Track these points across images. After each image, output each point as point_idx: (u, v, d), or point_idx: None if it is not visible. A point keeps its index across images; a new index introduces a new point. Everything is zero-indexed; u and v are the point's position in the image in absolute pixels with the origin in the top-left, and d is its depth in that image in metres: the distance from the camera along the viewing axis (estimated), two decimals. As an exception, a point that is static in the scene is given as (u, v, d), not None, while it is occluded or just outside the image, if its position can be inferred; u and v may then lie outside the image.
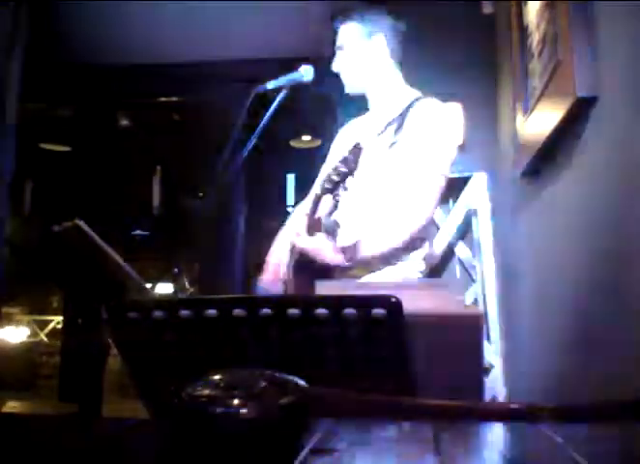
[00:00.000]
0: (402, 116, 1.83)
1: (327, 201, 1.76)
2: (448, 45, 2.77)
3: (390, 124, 1.85)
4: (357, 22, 1.91)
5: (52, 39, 3.34)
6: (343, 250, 1.66)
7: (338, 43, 1.93)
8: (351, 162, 1.62)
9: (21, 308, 6.40)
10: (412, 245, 1.78)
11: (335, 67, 1.93)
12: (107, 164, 3.86)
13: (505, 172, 2.48)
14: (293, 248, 1.76)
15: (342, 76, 1.93)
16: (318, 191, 1.72)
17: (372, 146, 1.83)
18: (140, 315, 0.86)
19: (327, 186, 1.67)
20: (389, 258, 1.76)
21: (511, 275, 2.35)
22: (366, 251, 1.69)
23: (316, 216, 1.73)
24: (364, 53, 1.89)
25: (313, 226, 1.71)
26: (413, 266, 1.82)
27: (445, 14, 2.80)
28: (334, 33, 1.95)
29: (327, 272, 1.69)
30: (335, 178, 1.65)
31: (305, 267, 1.71)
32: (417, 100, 1.86)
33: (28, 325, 6.47)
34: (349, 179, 1.64)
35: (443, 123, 1.82)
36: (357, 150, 1.63)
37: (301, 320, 0.81)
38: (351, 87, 1.93)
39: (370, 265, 1.75)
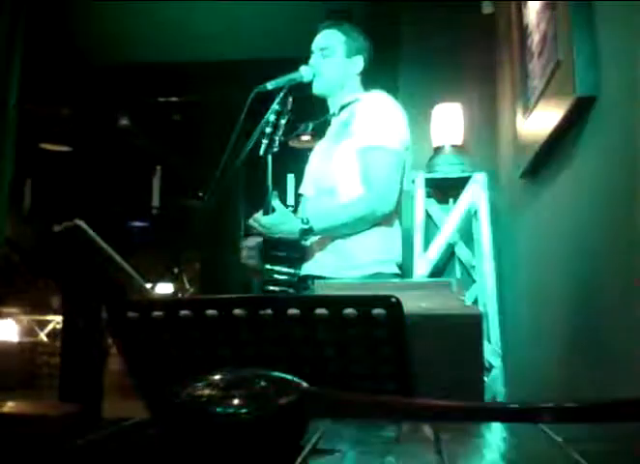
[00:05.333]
0: (355, 101, 1.98)
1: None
2: (448, 46, 2.77)
3: (342, 108, 2.00)
4: (343, 35, 2.03)
5: (53, 39, 3.34)
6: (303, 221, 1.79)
7: (321, 44, 2.03)
8: (280, 112, 1.81)
9: (21, 308, 6.39)
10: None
11: (312, 65, 2.02)
12: (107, 164, 3.85)
13: (505, 172, 2.48)
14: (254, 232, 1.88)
15: (315, 78, 2.01)
16: (260, 154, 1.83)
17: (327, 130, 2.01)
18: (140, 315, 0.86)
19: (264, 140, 1.81)
20: (345, 231, 1.85)
21: (511, 275, 2.35)
22: (323, 223, 1.82)
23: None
24: (342, 71, 2.02)
25: (268, 205, 1.84)
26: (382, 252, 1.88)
27: (445, 14, 2.80)
28: (318, 32, 2.07)
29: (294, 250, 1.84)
30: (269, 130, 1.80)
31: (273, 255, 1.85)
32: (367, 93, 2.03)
33: (28, 325, 6.46)
34: (282, 130, 1.81)
35: (390, 107, 1.96)
36: (286, 100, 1.83)
37: (301, 320, 0.81)
38: (318, 90, 2.03)
39: (326, 238, 1.86)
